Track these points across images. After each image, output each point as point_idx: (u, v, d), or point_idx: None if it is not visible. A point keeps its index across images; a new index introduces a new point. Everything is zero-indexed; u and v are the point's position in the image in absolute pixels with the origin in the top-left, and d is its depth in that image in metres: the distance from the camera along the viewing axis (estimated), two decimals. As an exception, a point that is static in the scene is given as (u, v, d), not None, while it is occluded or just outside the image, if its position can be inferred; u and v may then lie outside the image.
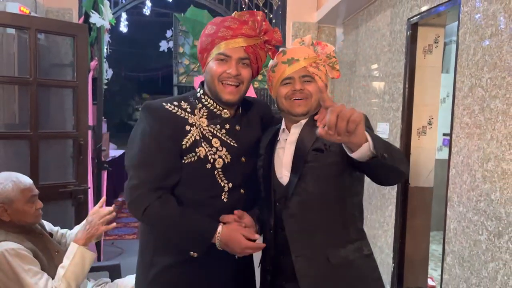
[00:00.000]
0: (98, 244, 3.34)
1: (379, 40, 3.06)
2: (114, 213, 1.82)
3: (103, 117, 3.50)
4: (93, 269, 2.16)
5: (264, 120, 1.48)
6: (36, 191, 1.75)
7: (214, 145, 1.32)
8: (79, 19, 3.56)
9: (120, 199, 6.17)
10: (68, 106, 3.18)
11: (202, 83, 1.40)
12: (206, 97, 1.36)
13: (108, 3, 3.40)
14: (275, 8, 4.14)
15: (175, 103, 1.33)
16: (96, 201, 3.11)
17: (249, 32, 1.29)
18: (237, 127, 1.38)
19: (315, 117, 1.31)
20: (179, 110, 1.32)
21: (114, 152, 6.70)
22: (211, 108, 1.36)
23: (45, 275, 1.61)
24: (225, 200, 1.35)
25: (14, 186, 1.67)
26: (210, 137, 1.32)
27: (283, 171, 1.32)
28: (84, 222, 1.81)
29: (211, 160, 1.31)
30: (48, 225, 1.93)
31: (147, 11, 6.36)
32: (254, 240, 1.28)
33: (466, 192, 1.97)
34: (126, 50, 11.90)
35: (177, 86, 6.47)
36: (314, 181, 1.25)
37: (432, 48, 2.63)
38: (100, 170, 3.44)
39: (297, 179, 1.26)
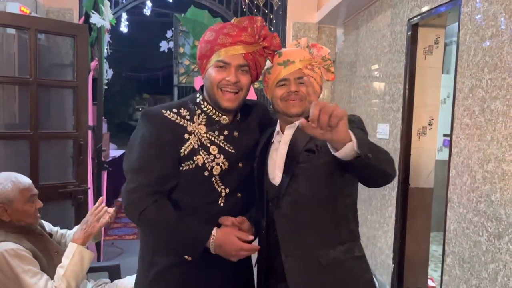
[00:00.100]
0: (98, 245, 3.34)
1: (380, 40, 3.06)
2: (110, 210, 1.85)
3: (103, 117, 3.51)
4: (92, 270, 2.17)
5: (262, 123, 1.49)
6: (36, 191, 1.76)
7: (212, 152, 1.34)
8: (79, 19, 3.57)
9: (120, 199, 6.16)
10: (68, 106, 3.18)
11: (201, 88, 1.41)
12: (205, 103, 1.38)
13: (108, 3, 3.40)
14: (276, 8, 4.13)
15: (175, 110, 1.34)
16: (96, 202, 3.11)
17: (248, 39, 1.30)
18: (235, 133, 1.40)
19: (309, 119, 1.32)
20: (178, 117, 1.33)
21: (114, 152, 6.70)
22: (210, 114, 1.37)
23: (45, 276, 1.62)
24: (221, 204, 1.36)
25: (13, 186, 1.68)
26: (208, 145, 1.34)
27: (276, 172, 1.33)
28: (81, 223, 1.84)
29: (209, 168, 1.33)
30: (47, 226, 1.93)
31: (147, 11, 6.38)
32: (249, 242, 1.29)
33: (466, 193, 1.96)
34: (127, 50, 11.89)
35: (177, 86, 6.48)
36: (305, 182, 1.26)
37: (432, 48, 2.63)
38: (100, 170, 3.44)
39: (289, 179, 1.27)
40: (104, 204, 1.87)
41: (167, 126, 1.31)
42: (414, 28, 2.58)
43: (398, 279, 2.72)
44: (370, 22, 3.24)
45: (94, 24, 3.26)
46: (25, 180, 1.74)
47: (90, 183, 3.14)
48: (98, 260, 3.34)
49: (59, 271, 1.66)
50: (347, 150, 1.00)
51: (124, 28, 6.23)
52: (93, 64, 3.30)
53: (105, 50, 3.54)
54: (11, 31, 2.81)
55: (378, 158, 1.05)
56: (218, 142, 1.35)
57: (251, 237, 1.33)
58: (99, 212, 1.82)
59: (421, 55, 2.61)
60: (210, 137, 1.35)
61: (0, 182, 1.67)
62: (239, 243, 1.27)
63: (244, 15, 4.19)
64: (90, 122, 3.15)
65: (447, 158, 2.13)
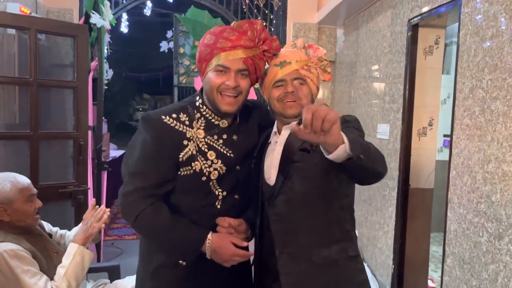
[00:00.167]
0: (98, 245, 3.34)
1: (380, 41, 3.05)
2: (107, 210, 1.86)
3: (103, 118, 3.51)
4: (92, 270, 2.17)
5: (262, 125, 1.50)
6: (35, 190, 1.76)
7: (210, 158, 1.35)
8: (79, 19, 3.57)
9: (120, 199, 6.15)
10: (68, 107, 3.18)
11: (201, 90, 1.41)
12: (204, 107, 1.38)
13: (108, 3, 3.40)
14: (276, 9, 4.13)
15: (174, 115, 1.34)
16: (95, 202, 3.11)
17: (247, 43, 1.30)
18: (234, 137, 1.40)
19: (302, 124, 1.32)
20: (178, 123, 1.34)
21: (114, 152, 6.69)
22: (209, 118, 1.38)
23: (44, 276, 1.62)
24: (218, 206, 1.38)
25: (13, 186, 1.68)
26: (206, 150, 1.35)
27: (271, 172, 1.34)
28: (80, 224, 1.86)
29: (206, 173, 1.34)
30: (47, 226, 1.93)
31: (147, 11, 6.37)
32: (245, 248, 1.32)
33: (467, 194, 1.96)
34: (127, 51, 11.90)
35: (178, 87, 6.48)
36: (300, 181, 1.27)
37: (432, 49, 2.62)
38: (100, 170, 3.44)
39: (284, 178, 1.28)
40: (103, 206, 1.89)
41: (166, 132, 1.32)
42: (414, 29, 2.58)
43: (398, 280, 2.72)
44: (370, 23, 3.24)
45: (94, 24, 3.26)
46: (24, 180, 1.74)
47: (90, 184, 3.14)
48: (98, 260, 3.34)
49: (60, 271, 1.66)
50: (340, 152, 1.00)
51: (124, 28, 6.23)
52: (93, 64, 3.30)
53: (105, 50, 3.55)
54: (11, 31, 2.81)
55: (370, 159, 1.05)
56: (216, 146, 1.36)
57: (246, 244, 1.35)
58: (98, 213, 1.83)
59: (421, 55, 2.61)
60: (209, 141, 1.36)
61: (-1, 183, 1.67)
62: (233, 249, 1.29)
63: (244, 15, 4.19)
64: (90, 122, 3.15)
65: (447, 159, 2.13)
